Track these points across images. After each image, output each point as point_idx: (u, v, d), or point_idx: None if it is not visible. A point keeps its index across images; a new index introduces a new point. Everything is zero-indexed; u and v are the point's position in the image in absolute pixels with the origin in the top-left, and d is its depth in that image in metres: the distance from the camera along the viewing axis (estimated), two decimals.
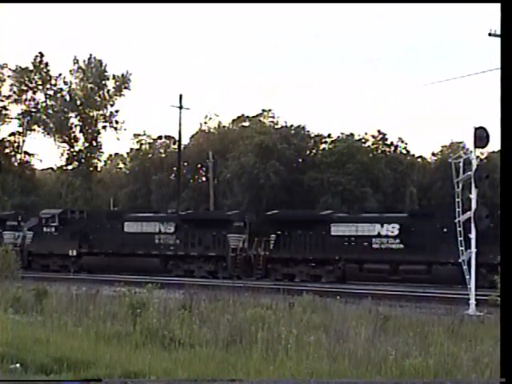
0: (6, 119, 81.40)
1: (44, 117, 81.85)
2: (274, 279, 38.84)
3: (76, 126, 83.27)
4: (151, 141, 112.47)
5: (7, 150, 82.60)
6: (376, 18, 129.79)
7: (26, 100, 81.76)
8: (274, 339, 13.21)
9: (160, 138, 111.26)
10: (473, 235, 23.35)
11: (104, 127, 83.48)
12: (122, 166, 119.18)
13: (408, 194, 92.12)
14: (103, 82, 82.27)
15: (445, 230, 35.48)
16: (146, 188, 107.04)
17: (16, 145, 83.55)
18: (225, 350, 13.01)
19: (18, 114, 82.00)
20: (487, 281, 30.21)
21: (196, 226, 43.46)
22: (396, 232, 38.04)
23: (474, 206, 23.35)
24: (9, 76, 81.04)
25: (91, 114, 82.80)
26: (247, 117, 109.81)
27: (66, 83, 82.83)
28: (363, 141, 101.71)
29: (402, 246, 37.74)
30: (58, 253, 46.21)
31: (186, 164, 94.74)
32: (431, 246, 36.28)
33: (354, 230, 38.92)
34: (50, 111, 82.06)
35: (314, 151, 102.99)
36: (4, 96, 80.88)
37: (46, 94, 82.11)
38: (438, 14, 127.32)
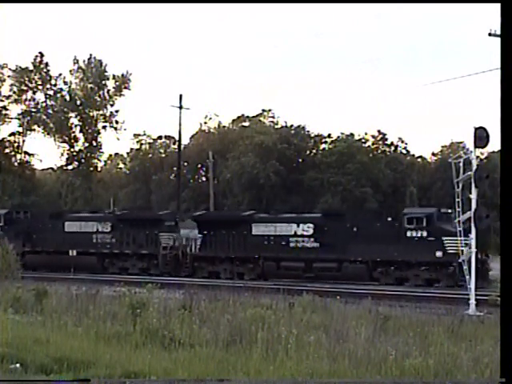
0: (6, 119, 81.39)
1: (44, 117, 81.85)
2: (200, 277, 40.10)
3: (76, 126, 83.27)
4: (151, 141, 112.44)
5: (7, 150, 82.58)
6: (376, 18, 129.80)
7: (25, 100, 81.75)
8: (274, 339, 13.21)
9: (160, 137, 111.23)
10: (473, 235, 23.34)
11: (104, 127, 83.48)
12: (122, 165, 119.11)
13: (408, 193, 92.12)
14: (103, 82, 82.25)
15: (354, 229, 38.06)
16: (146, 188, 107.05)
17: (16, 145, 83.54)
18: (225, 350, 13.00)
19: (18, 114, 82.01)
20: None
21: (130, 225, 45.17)
22: (311, 231, 39.47)
23: (473, 205, 23.35)
24: (9, 76, 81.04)
25: (91, 113, 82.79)
26: (247, 117, 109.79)
27: (65, 83, 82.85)
28: (363, 141, 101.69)
29: (316, 244, 39.18)
30: None
31: (186, 164, 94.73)
32: (342, 244, 37.79)
33: (273, 229, 40.48)
34: (50, 111, 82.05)
35: (314, 151, 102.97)
36: (4, 96, 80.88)
37: (45, 94, 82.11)
38: (438, 13, 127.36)
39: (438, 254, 35.81)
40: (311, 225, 39.66)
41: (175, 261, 42.55)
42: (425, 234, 36.62)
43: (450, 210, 37.10)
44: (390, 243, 36.41)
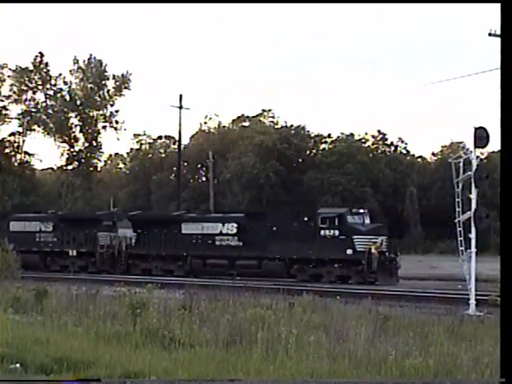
0: (6, 119, 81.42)
1: (44, 117, 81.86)
2: (134, 274, 41.72)
3: (76, 126, 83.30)
4: (151, 141, 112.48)
5: (7, 150, 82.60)
6: (376, 18, 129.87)
7: (26, 100, 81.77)
8: (274, 339, 13.21)
9: (160, 137, 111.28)
10: (473, 235, 23.34)
11: (104, 127, 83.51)
12: (122, 165, 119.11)
13: (408, 194, 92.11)
14: (103, 82, 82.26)
15: (274, 228, 39.95)
16: (146, 188, 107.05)
17: (16, 145, 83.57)
18: (225, 350, 13.00)
19: (18, 114, 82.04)
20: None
21: (71, 225, 47.23)
22: (235, 231, 41.40)
23: (473, 205, 23.34)
24: (9, 76, 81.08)
25: (91, 113, 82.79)
26: (247, 117, 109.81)
27: (65, 83, 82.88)
28: (363, 141, 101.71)
29: (239, 243, 41.15)
30: None
31: (186, 164, 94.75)
32: (262, 243, 39.73)
33: (201, 228, 42.59)
34: (50, 111, 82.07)
35: (314, 151, 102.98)
36: (4, 96, 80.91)
37: (45, 94, 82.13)
38: (438, 14, 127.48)
39: (349, 251, 37.33)
40: (235, 224, 41.53)
41: (112, 259, 44.40)
42: (337, 232, 38.15)
43: (361, 210, 40.58)
44: (305, 242, 38.18)
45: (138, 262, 44.03)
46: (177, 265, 42.71)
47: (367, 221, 39.74)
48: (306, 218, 39.74)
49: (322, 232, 38.46)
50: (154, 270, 43.10)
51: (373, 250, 36.93)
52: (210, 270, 41.20)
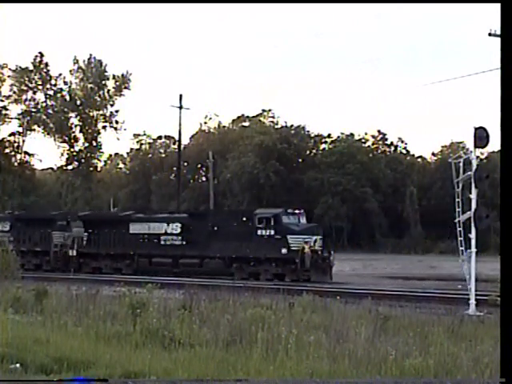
0: (6, 119, 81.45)
1: (44, 117, 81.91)
2: (85, 272, 42.98)
3: (76, 126, 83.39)
4: (151, 141, 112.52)
5: (7, 150, 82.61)
6: (376, 18, 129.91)
7: (26, 100, 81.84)
8: (274, 339, 13.20)
9: (160, 138, 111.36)
10: (473, 235, 23.33)
11: (104, 127, 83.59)
12: (121, 165, 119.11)
13: (408, 194, 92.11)
14: (103, 82, 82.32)
15: (215, 228, 41.40)
16: (146, 188, 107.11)
17: (16, 145, 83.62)
18: (225, 350, 12.99)
19: (18, 114, 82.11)
20: None
21: (27, 224, 48.43)
22: (178, 230, 42.92)
23: (473, 205, 23.33)
24: (9, 76, 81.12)
25: (91, 113, 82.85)
26: (247, 117, 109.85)
27: (65, 83, 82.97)
28: (363, 141, 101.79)
29: (183, 242, 42.62)
30: None
31: (186, 164, 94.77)
32: (204, 242, 41.21)
33: (147, 228, 44.13)
34: (50, 111, 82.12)
35: (314, 151, 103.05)
36: (4, 96, 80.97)
37: (45, 94, 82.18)
38: (438, 13, 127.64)
39: (284, 250, 38.68)
40: (179, 224, 43.02)
41: (65, 257, 45.52)
42: (272, 232, 39.47)
43: (297, 211, 41.69)
44: (243, 241, 39.65)
45: (89, 261, 45.38)
46: (125, 263, 44.11)
47: (303, 221, 41.26)
48: (244, 219, 41.12)
49: (259, 232, 39.78)
50: (103, 268, 44.55)
51: (306, 249, 38.23)
52: (156, 268, 42.56)
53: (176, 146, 77.81)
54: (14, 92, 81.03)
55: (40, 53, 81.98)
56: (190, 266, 41.38)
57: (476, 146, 23.41)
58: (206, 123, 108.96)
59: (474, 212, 23.20)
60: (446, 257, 63.28)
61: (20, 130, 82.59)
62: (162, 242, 43.21)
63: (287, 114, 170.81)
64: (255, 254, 39.46)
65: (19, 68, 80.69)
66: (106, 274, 41.56)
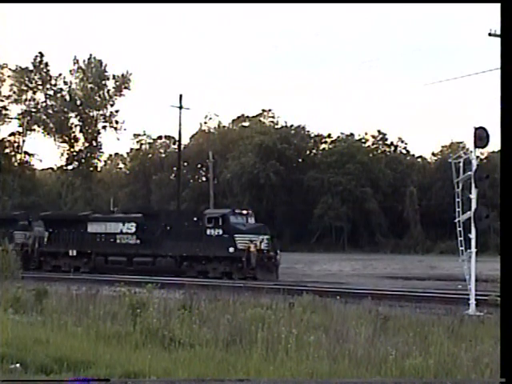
0: (6, 119, 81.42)
1: (44, 117, 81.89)
2: (45, 270, 44.59)
3: (76, 126, 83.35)
4: (151, 141, 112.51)
5: (7, 150, 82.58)
6: (376, 18, 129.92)
7: (26, 100, 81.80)
8: (273, 339, 13.19)
9: (160, 138, 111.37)
10: (473, 235, 23.32)
11: (104, 127, 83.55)
12: (121, 165, 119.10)
13: (408, 194, 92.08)
14: (103, 82, 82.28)
15: (168, 227, 42.82)
16: (146, 188, 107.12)
17: (16, 145, 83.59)
18: (225, 350, 12.99)
19: (18, 114, 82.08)
20: None
21: None
22: (133, 230, 44.40)
23: (473, 205, 23.32)
24: (9, 76, 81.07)
25: (91, 113, 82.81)
26: (247, 117, 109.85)
27: (65, 83, 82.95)
28: (363, 141, 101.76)
29: (137, 241, 44.14)
30: None
31: (186, 164, 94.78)
32: (157, 241, 42.75)
33: (104, 228, 45.52)
34: (50, 111, 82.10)
35: (314, 151, 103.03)
36: (4, 96, 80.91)
37: (46, 94, 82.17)
38: (438, 14, 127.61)
39: (231, 249, 40.12)
40: (134, 224, 44.51)
41: (26, 256, 45.59)
42: (221, 232, 40.92)
43: (244, 211, 43.22)
44: (194, 240, 41.14)
45: (50, 259, 46.54)
46: (83, 262, 45.22)
47: (251, 221, 42.58)
48: (195, 218, 42.53)
49: (208, 231, 41.17)
50: (63, 266, 45.39)
51: (251, 248, 39.70)
52: (111, 266, 43.64)
53: (176, 146, 77.82)
54: (14, 92, 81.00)
55: (40, 53, 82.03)
56: (144, 264, 42.74)
57: (476, 146, 23.40)
58: (206, 123, 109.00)
59: (474, 212, 23.19)
60: (446, 257, 63.27)
61: (20, 129, 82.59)
62: (118, 241, 44.65)
63: (287, 114, 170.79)
64: (204, 253, 40.78)
65: (19, 68, 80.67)
66: (65, 272, 42.42)
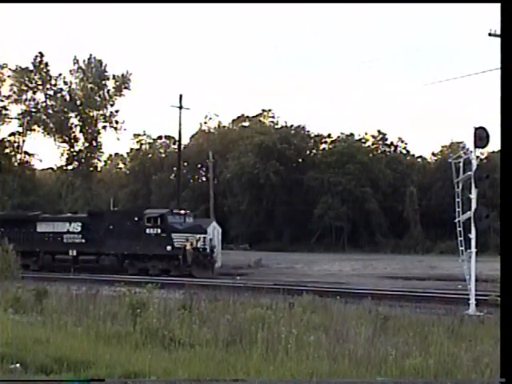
0: (6, 119, 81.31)
1: (44, 117, 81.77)
2: None
3: (76, 126, 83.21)
4: (151, 141, 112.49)
5: (7, 150, 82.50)
6: (376, 18, 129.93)
7: (26, 100, 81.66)
8: (274, 339, 13.19)
9: (160, 138, 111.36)
10: (473, 235, 23.32)
11: (104, 127, 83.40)
12: (121, 165, 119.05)
13: (408, 194, 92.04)
14: (103, 82, 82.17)
15: (111, 227, 44.92)
16: (146, 188, 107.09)
17: (16, 145, 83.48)
18: (225, 350, 12.98)
19: (18, 114, 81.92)
20: None
21: None
22: (79, 229, 46.68)
23: (473, 205, 23.32)
24: (9, 76, 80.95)
25: (91, 114, 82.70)
26: (247, 117, 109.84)
27: (65, 83, 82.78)
28: (363, 141, 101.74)
29: (82, 240, 46.33)
30: None
31: (186, 164, 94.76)
32: (100, 240, 44.80)
33: (52, 227, 47.78)
34: (50, 111, 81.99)
35: (314, 151, 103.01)
36: (4, 96, 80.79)
37: (46, 94, 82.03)
38: (438, 14, 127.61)
39: (169, 248, 42.28)
40: (80, 223, 46.83)
41: None
42: (159, 231, 43.07)
43: (182, 211, 45.20)
44: (134, 239, 43.33)
45: None
46: (32, 260, 46.43)
47: (189, 221, 44.73)
48: (136, 218, 44.56)
49: (148, 230, 43.35)
50: None
51: (187, 247, 41.81)
52: (58, 264, 45.30)
53: (176, 146, 77.79)
54: (14, 92, 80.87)
55: (40, 53, 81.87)
56: (88, 262, 44.59)
57: (476, 146, 23.41)
58: (206, 123, 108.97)
59: (474, 212, 23.20)
60: (446, 257, 63.22)
61: (20, 129, 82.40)
62: (65, 240, 46.70)
63: (287, 114, 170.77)
64: (144, 251, 42.99)
65: (19, 68, 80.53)
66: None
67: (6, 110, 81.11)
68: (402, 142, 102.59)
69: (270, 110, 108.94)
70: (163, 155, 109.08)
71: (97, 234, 45.14)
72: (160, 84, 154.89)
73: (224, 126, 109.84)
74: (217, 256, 43.23)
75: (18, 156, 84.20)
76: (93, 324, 15.53)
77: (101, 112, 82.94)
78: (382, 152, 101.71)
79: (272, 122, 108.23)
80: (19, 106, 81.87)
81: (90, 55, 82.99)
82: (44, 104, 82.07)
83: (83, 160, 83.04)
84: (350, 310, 18.72)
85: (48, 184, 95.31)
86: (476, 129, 23.06)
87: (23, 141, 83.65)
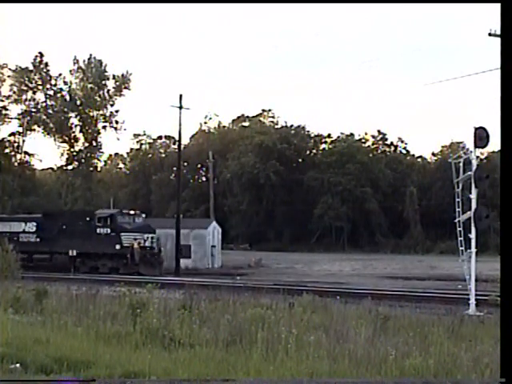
0: (6, 119, 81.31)
1: (44, 117, 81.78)
2: None
3: (76, 126, 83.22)
4: (151, 141, 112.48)
5: (7, 150, 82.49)
6: (376, 17, 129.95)
7: (25, 100, 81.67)
8: (274, 339, 13.18)
9: (160, 138, 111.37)
10: (473, 235, 23.32)
11: (104, 127, 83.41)
12: (121, 165, 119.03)
13: (408, 194, 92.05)
14: (103, 82, 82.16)
15: (64, 227, 46.62)
16: (146, 188, 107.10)
17: (16, 145, 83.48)
18: (225, 350, 12.98)
19: (18, 114, 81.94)
20: None
21: None
22: (34, 229, 48.44)
23: (473, 205, 23.32)
24: (9, 76, 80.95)
25: (91, 114, 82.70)
26: (247, 117, 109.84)
27: (65, 83, 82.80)
28: (363, 141, 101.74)
29: (37, 239, 47.99)
30: None
31: (186, 164, 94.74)
32: (54, 239, 46.34)
33: (9, 227, 48.92)
34: (50, 111, 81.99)
35: (314, 151, 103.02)
36: (4, 96, 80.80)
37: (46, 94, 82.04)
38: (438, 14, 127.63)
39: (117, 247, 44.08)
40: (35, 223, 48.52)
41: None
42: (109, 230, 44.87)
43: (131, 212, 47.06)
44: (86, 238, 45.06)
45: None
46: None
47: (138, 221, 46.50)
48: (87, 218, 46.47)
49: (98, 230, 45.16)
50: None
51: (135, 246, 43.65)
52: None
53: (176, 146, 77.73)
54: (14, 92, 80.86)
55: (40, 53, 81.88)
56: (42, 260, 46.13)
57: (476, 146, 23.41)
58: (206, 123, 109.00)
59: (474, 212, 23.19)
60: (446, 257, 63.23)
61: (20, 129, 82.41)
62: (21, 240, 47.47)
63: (287, 114, 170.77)
64: (95, 250, 44.63)
65: (19, 68, 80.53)
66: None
67: (6, 110, 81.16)
68: (402, 142, 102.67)
69: (270, 110, 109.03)
70: (163, 155, 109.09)
71: (51, 234, 46.73)
72: (160, 84, 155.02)
73: (224, 126, 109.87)
74: (164, 255, 45.71)
75: (18, 156, 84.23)
76: (93, 324, 15.53)
77: (101, 112, 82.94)
78: (382, 152, 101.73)
79: (272, 121, 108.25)
80: (19, 106, 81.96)
81: (90, 55, 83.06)
82: (44, 104, 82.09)
83: (83, 160, 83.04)
84: (350, 310, 18.71)
85: (48, 184, 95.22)
86: (476, 129, 23.06)
87: (23, 141, 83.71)
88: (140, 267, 43.28)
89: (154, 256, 44.77)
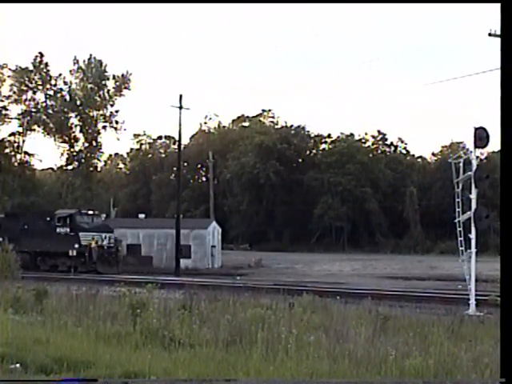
0: (6, 119, 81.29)
1: (44, 117, 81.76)
2: None
3: (76, 126, 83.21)
4: (151, 141, 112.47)
5: (7, 150, 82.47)
6: (376, 17, 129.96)
7: (25, 100, 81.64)
8: (274, 339, 13.18)
9: (160, 138, 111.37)
10: (473, 235, 23.32)
11: (104, 127, 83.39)
12: (121, 166, 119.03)
13: (408, 194, 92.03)
14: (103, 82, 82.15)
15: (25, 226, 48.54)
16: (146, 188, 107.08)
17: (16, 145, 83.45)
18: (225, 350, 12.98)
19: (18, 114, 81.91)
20: None
21: None
22: None
23: (473, 205, 23.32)
24: (9, 76, 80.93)
25: (91, 114, 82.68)
26: (247, 117, 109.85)
27: (65, 83, 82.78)
28: (363, 141, 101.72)
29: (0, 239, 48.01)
30: None
31: (186, 164, 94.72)
32: (16, 239, 44.81)
33: None
34: (50, 111, 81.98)
35: (314, 151, 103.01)
36: (4, 96, 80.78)
37: (46, 94, 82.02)
38: (438, 14, 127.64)
39: (76, 246, 45.62)
40: None
41: None
42: (68, 230, 46.54)
43: (90, 212, 49.06)
44: (46, 238, 46.60)
45: None
46: None
47: (97, 221, 48.48)
48: (48, 218, 48.04)
49: (58, 229, 46.78)
50: None
51: (92, 245, 45.19)
52: None
53: (176, 146, 77.69)
54: (14, 92, 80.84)
55: (40, 53, 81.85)
56: None
57: (476, 146, 23.42)
58: (206, 123, 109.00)
59: (474, 212, 23.20)
60: (446, 257, 63.21)
61: (20, 130, 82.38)
62: None
63: (287, 114, 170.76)
64: (55, 249, 46.17)
65: (19, 68, 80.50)
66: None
67: (6, 110, 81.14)
68: (402, 142, 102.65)
69: (270, 110, 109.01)
70: (163, 155, 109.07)
71: (13, 233, 46.88)
72: (160, 84, 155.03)
73: (224, 126, 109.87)
74: (121, 255, 47.25)
75: (18, 156, 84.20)
76: (93, 324, 15.52)
77: (101, 112, 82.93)
78: (382, 152, 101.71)
79: (272, 122, 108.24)
80: (19, 106, 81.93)
81: (90, 55, 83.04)
82: (44, 104, 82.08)
83: (83, 160, 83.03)
84: (350, 310, 18.71)
85: (48, 184, 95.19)
86: (476, 129, 23.07)
87: (23, 141, 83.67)
88: (98, 266, 44.85)
89: (112, 255, 46.32)
